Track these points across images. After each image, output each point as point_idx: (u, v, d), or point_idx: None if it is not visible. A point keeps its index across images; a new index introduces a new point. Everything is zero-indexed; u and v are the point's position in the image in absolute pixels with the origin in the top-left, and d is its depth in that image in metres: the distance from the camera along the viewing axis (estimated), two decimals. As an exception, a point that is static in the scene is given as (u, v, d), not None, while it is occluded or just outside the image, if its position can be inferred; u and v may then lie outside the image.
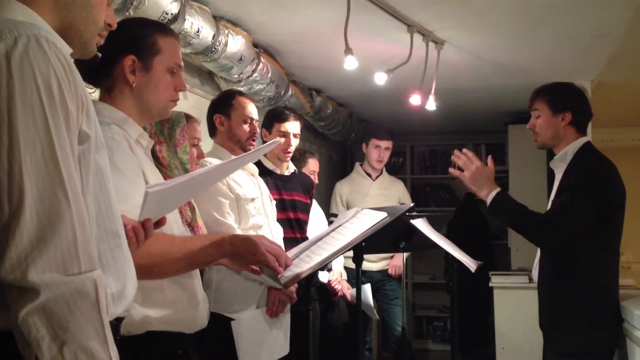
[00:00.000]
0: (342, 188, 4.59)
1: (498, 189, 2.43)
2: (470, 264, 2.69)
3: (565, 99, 2.52)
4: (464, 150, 2.54)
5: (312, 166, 3.82)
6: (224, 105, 2.64)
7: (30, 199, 0.89)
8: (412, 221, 2.49)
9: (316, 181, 3.88)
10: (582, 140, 2.51)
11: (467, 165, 2.48)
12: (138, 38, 1.65)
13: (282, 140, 3.05)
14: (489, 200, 2.43)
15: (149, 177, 1.65)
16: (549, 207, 2.55)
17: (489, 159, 2.54)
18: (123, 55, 1.62)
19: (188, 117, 2.23)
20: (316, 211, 3.88)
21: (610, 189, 2.40)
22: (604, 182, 2.40)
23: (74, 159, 0.95)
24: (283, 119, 3.09)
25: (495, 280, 4.21)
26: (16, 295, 0.88)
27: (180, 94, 3.20)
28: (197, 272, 1.79)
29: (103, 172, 1.10)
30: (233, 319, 2.42)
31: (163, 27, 1.75)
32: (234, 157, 2.59)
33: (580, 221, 2.34)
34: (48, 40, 0.95)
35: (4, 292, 0.90)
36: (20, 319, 0.87)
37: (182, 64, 1.72)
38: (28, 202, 0.89)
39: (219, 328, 2.35)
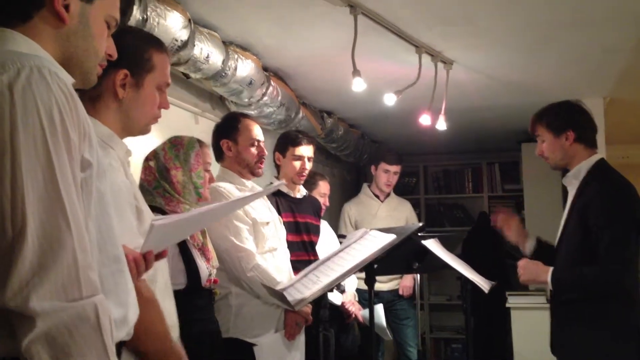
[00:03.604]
0: (351, 209, 4.59)
1: (550, 270, 2.38)
2: (483, 284, 2.65)
3: (564, 118, 2.48)
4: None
5: (323, 189, 3.81)
6: (229, 129, 2.64)
7: (32, 226, 0.90)
8: (423, 242, 2.47)
9: (327, 204, 3.87)
10: (595, 157, 2.47)
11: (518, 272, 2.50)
12: (134, 53, 1.58)
13: (298, 164, 3.06)
14: (549, 281, 2.39)
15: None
16: (561, 225, 2.49)
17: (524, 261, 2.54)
18: (116, 68, 1.53)
19: (200, 143, 2.25)
20: (328, 232, 3.88)
21: (633, 209, 2.34)
22: (629, 205, 2.34)
23: (75, 186, 0.96)
24: (297, 142, 3.09)
25: (512, 301, 4.16)
26: (18, 323, 0.89)
27: (192, 118, 3.29)
28: (170, 296, 1.73)
29: (104, 198, 1.11)
30: (254, 344, 2.41)
31: (158, 43, 1.69)
32: (243, 180, 2.62)
33: (631, 254, 2.29)
34: (50, 70, 0.97)
35: (10, 319, 0.90)
36: (24, 347, 0.87)
37: (169, 82, 1.67)
38: (30, 229, 0.89)
39: (239, 353, 2.34)
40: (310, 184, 3.72)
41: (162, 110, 1.66)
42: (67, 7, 1.08)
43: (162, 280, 1.69)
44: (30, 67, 0.95)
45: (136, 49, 1.59)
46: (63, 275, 0.90)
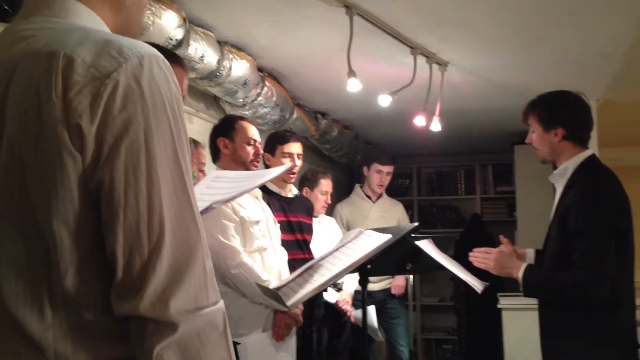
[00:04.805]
0: (343, 210, 4.59)
1: (524, 265, 2.30)
2: (477, 284, 2.66)
3: (555, 114, 2.36)
4: (474, 250, 2.43)
5: (325, 187, 3.80)
6: (226, 129, 2.67)
7: (169, 233, 0.85)
8: (417, 242, 2.48)
9: (329, 201, 3.86)
10: (584, 154, 2.35)
11: (486, 260, 2.39)
12: None
13: (287, 161, 3.08)
14: (520, 280, 2.30)
15: None
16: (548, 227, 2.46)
17: (502, 239, 2.43)
18: None
19: (195, 143, 2.25)
20: (334, 230, 3.90)
21: (617, 212, 2.26)
22: (610, 211, 2.24)
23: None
24: (285, 140, 3.13)
25: (504, 302, 4.17)
26: (152, 330, 0.85)
27: (186, 118, 3.28)
28: None
29: None
30: (239, 343, 2.41)
31: (173, 55, 1.76)
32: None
33: (610, 262, 2.18)
34: (163, 59, 0.91)
35: (125, 324, 0.87)
36: (155, 354, 0.84)
37: (184, 94, 1.75)
38: (168, 236, 0.85)
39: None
40: (312, 181, 3.72)
41: None
42: None
43: None
44: (149, 57, 0.87)
45: None
46: (195, 283, 0.87)
